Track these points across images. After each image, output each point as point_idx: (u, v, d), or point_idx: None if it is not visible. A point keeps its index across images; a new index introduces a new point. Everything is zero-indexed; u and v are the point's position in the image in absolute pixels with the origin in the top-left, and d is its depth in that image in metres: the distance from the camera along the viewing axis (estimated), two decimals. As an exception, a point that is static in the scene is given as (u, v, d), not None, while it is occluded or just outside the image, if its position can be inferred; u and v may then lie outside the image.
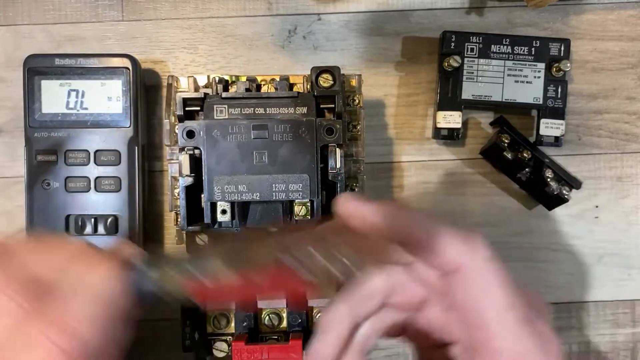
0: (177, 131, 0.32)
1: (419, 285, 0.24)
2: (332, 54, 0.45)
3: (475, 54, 0.42)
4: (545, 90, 0.43)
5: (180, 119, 0.33)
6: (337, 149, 0.32)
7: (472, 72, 0.43)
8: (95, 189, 0.40)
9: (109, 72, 0.41)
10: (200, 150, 0.31)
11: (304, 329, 0.34)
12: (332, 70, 0.33)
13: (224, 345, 0.35)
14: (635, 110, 0.45)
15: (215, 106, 0.31)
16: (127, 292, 0.25)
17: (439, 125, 0.43)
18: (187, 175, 0.31)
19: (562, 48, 0.43)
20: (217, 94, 0.33)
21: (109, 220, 0.40)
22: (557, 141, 0.43)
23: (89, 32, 0.45)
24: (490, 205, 0.45)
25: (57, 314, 0.24)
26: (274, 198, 0.31)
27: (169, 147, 0.35)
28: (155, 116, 0.44)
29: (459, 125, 0.43)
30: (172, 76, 0.36)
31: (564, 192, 0.42)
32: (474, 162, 0.45)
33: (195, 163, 0.32)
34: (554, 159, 0.44)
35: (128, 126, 0.40)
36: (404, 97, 0.45)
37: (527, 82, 0.43)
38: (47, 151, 0.41)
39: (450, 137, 0.44)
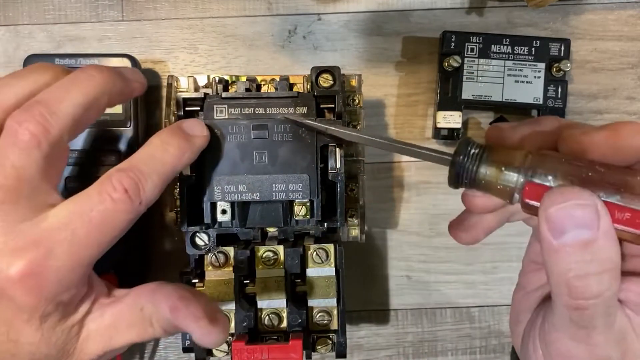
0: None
1: None
2: (332, 54, 0.45)
3: (476, 54, 0.43)
4: (546, 90, 0.43)
5: (180, 119, 0.33)
6: (337, 149, 0.32)
7: (472, 72, 0.43)
8: (95, 189, 0.40)
9: (109, 72, 0.41)
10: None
11: (304, 329, 0.34)
12: (332, 70, 0.33)
13: (224, 345, 0.35)
14: (635, 110, 0.45)
15: (215, 106, 0.31)
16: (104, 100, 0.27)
17: (439, 125, 0.43)
18: (187, 175, 0.31)
19: (562, 48, 0.43)
20: (217, 94, 0.33)
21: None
22: (557, 141, 0.43)
23: (89, 32, 0.45)
24: (490, 205, 0.45)
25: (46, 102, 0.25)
26: (274, 198, 0.31)
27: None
28: (155, 116, 0.44)
29: (459, 125, 0.43)
30: (172, 76, 0.36)
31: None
32: (474, 162, 0.45)
33: (195, 163, 0.32)
34: (554, 159, 0.44)
35: (128, 126, 0.40)
36: (404, 97, 0.45)
37: (527, 82, 0.43)
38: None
39: (450, 137, 0.44)
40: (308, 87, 0.35)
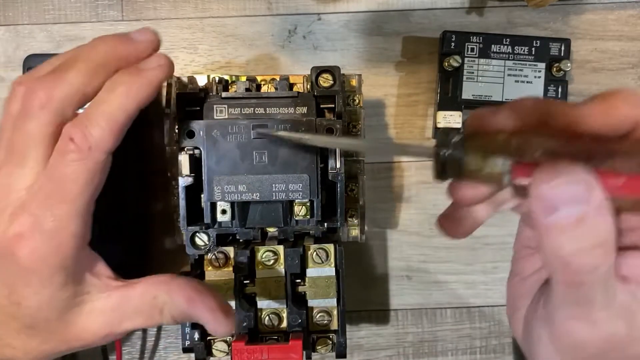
0: (176, 131, 0.32)
1: None
2: (332, 54, 0.45)
3: (476, 54, 0.42)
4: (546, 90, 0.43)
5: (180, 119, 0.33)
6: (337, 149, 0.32)
7: (472, 72, 0.43)
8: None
9: (109, 72, 0.41)
10: (200, 150, 0.31)
11: (304, 329, 0.34)
12: (332, 70, 0.33)
13: (224, 345, 0.35)
14: (636, 110, 0.45)
15: (215, 106, 0.31)
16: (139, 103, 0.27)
17: (439, 125, 0.43)
18: (186, 175, 0.31)
19: (563, 48, 0.43)
20: (217, 94, 0.33)
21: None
22: (557, 141, 0.43)
23: (89, 32, 0.45)
24: (491, 205, 0.45)
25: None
26: (274, 198, 0.31)
27: (168, 147, 0.35)
28: (155, 116, 0.44)
29: (459, 125, 0.43)
30: (172, 76, 0.36)
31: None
32: (474, 162, 0.45)
33: (195, 163, 0.32)
34: (554, 159, 0.44)
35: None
36: (404, 97, 0.45)
37: (527, 82, 0.43)
38: (47, 151, 0.40)
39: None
40: (308, 87, 0.35)
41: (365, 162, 0.37)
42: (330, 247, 0.35)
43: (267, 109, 0.32)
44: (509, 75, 0.43)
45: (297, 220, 0.33)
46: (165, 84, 0.36)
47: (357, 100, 0.36)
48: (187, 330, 0.34)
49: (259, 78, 0.36)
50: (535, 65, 0.43)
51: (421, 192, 0.45)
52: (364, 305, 0.45)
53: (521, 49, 0.43)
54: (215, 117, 0.31)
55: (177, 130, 0.32)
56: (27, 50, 0.44)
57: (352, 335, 0.45)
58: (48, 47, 0.44)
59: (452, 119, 0.42)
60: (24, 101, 0.27)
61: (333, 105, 0.33)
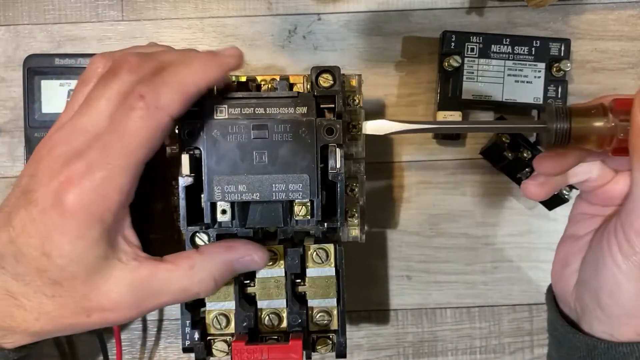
0: (176, 131, 0.32)
1: None
2: (332, 54, 0.45)
3: (476, 54, 0.42)
4: (546, 90, 0.43)
5: (180, 119, 0.33)
6: (337, 149, 0.31)
7: (472, 72, 0.43)
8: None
9: (109, 72, 0.41)
10: (200, 150, 0.31)
11: (304, 329, 0.34)
12: (332, 70, 0.33)
13: (224, 345, 0.35)
14: (636, 110, 0.45)
15: (215, 106, 0.31)
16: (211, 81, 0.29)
17: (439, 125, 0.43)
18: (186, 175, 0.31)
19: (562, 48, 0.43)
20: (217, 94, 0.33)
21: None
22: (557, 141, 0.43)
23: (89, 32, 0.45)
24: (490, 205, 0.45)
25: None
26: (274, 198, 0.31)
27: (168, 147, 0.35)
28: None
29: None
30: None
31: (564, 192, 0.42)
32: (474, 162, 0.45)
33: (195, 163, 0.32)
34: (554, 159, 0.44)
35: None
36: (404, 97, 0.45)
37: (527, 82, 0.43)
38: (47, 151, 0.40)
39: (450, 137, 0.44)
40: (308, 87, 0.35)
41: (365, 162, 0.37)
42: (330, 247, 0.35)
43: (267, 109, 0.32)
44: (509, 75, 0.43)
45: (297, 220, 0.33)
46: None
47: (357, 100, 0.36)
48: (187, 330, 0.34)
49: (259, 78, 0.36)
50: (535, 65, 0.43)
51: (421, 192, 0.45)
52: (364, 305, 0.45)
53: (521, 49, 0.43)
54: (215, 117, 0.31)
55: (177, 130, 0.32)
56: (27, 50, 0.44)
57: (352, 335, 0.45)
58: (48, 47, 0.44)
59: (452, 119, 0.42)
60: (114, 63, 0.28)
61: (333, 105, 0.33)
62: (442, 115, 0.42)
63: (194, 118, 0.31)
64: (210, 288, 0.30)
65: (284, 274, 0.35)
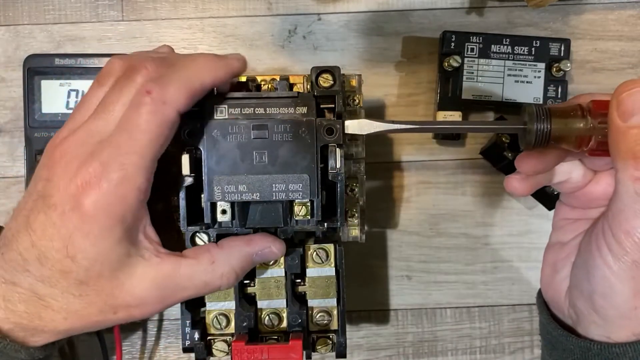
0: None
1: None
2: (332, 54, 0.45)
3: (476, 54, 0.42)
4: (546, 90, 0.43)
5: (182, 118, 0.33)
6: (337, 149, 0.31)
7: (472, 72, 0.43)
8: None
9: (109, 72, 0.41)
10: (200, 150, 0.31)
11: (304, 329, 0.34)
12: (332, 70, 0.33)
13: (224, 345, 0.35)
14: (636, 110, 0.45)
15: (215, 106, 0.31)
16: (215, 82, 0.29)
17: (439, 125, 0.43)
18: (187, 175, 0.31)
19: (562, 48, 0.43)
20: (217, 94, 0.33)
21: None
22: (557, 141, 0.43)
23: (89, 32, 0.45)
24: (490, 205, 0.45)
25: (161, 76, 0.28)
26: (274, 198, 0.31)
27: (169, 147, 0.35)
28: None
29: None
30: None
31: (564, 192, 0.42)
32: (474, 162, 0.45)
33: (195, 163, 0.32)
34: (554, 159, 0.44)
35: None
36: (404, 97, 0.45)
37: (527, 82, 0.43)
38: (47, 151, 0.41)
39: (450, 137, 0.44)
40: (308, 87, 0.35)
41: (365, 162, 0.37)
42: (330, 247, 0.35)
43: (267, 109, 0.32)
44: (508, 75, 0.43)
45: (297, 220, 0.33)
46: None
47: (357, 100, 0.36)
48: (187, 330, 0.34)
49: (259, 78, 0.36)
50: (535, 65, 0.43)
51: (421, 192, 0.45)
52: (364, 305, 0.45)
53: (521, 49, 0.43)
54: (215, 117, 0.31)
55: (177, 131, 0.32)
56: (27, 50, 0.44)
57: (352, 335, 0.45)
58: (48, 47, 0.44)
59: (452, 119, 0.42)
60: (130, 68, 0.29)
61: (333, 105, 0.33)
62: (442, 115, 0.42)
63: (194, 118, 0.31)
64: (232, 281, 0.31)
65: (284, 274, 0.35)
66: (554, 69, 0.42)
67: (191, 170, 0.31)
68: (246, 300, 0.35)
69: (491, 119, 0.44)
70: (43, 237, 0.27)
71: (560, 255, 0.33)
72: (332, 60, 0.45)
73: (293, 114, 0.32)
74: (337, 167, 0.32)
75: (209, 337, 0.35)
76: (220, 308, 0.35)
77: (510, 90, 0.43)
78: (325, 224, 0.33)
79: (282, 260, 0.34)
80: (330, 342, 0.35)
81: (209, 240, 0.33)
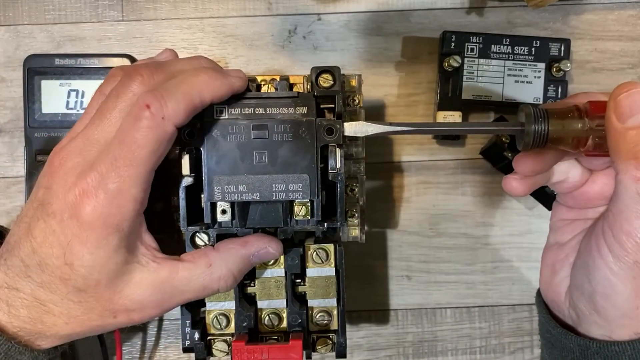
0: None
1: None
2: (332, 54, 0.45)
3: (475, 54, 0.42)
4: (546, 90, 0.43)
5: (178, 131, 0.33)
6: (337, 149, 0.31)
7: (472, 72, 0.43)
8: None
9: (109, 72, 0.41)
10: (200, 151, 0.31)
11: (304, 329, 0.34)
12: (332, 70, 0.33)
13: (224, 345, 0.35)
14: (635, 110, 0.45)
15: (215, 106, 0.31)
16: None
17: (439, 125, 0.43)
18: (187, 175, 0.31)
19: (562, 48, 0.43)
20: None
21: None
22: (557, 141, 0.43)
23: (89, 32, 0.45)
24: (490, 205, 0.45)
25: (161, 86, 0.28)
26: (274, 198, 0.31)
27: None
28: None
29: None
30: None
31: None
32: (474, 162, 0.45)
33: (195, 163, 0.32)
34: (554, 159, 0.44)
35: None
36: (404, 97, 0.45)
37: (527, 82, 0.43)
38: (47, 151, 0.40)
39: (450, 137, 0.44)
40: (308, 87, 0.35)
41: (365, 162, 0.37)
42: (330, 247, 0.35)
43: (267, 109, 0.32)
44: (508, 75, 0.43)
45: (297, 220, 0.33)
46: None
47: (357, 100, 0.36)
48: (187, 330, 0.34)
49: (259, 78, 0.36)
50: (535, 65, 0.43)
51: (421, 192, 0.45)
52: (364, 305, 0.45)
53: (521, 49, 0.43)
54: (215, 117, 0.31)
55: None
56: (27, 50, 0.44)
57: (352, 335, 0.45)
58: (48, 47, 0.44)
59: (452, 119, 0.42)
60: (125, 75, 0.29)
61: (333, 105, 0.33)
62: (442, 115, 0.42)
63: (194, 118, 0.31)
64: (230, 284, 0.31)
65: (284, 274, 0.35)
66: (554, 69, 0.42)
67: (191, 170, 0.31)
68: (246, 300, 0.35)
69: (491, 119, 0.44)
70: (43, 244, 0.28)
71: (559, 256, 0.33)
72: (332, 60, 0.45)
73: (293, 114, 0.32)
74: (337, 167, 0.32)
75: (209, 337, 0.35)
76: (220, 308, 0.35)
77: (510, 90, 0.43)
78: (325, 224, 0.33)
79: (282, 260, 0.34)
80: (330, 342, 0.35)
81: (209, 240, 0.33)
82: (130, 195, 0.27)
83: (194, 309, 0.35)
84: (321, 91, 0.32)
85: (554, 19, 0.45)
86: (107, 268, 0.28)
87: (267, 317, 0.35)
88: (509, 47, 0.43)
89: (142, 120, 0.27)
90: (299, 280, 0.35)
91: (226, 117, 0.31)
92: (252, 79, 0.35)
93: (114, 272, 0.28)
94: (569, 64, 0.42)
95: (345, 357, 0.35)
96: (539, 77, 0.43)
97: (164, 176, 0.33)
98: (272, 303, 0.35)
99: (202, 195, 0.32)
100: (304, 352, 0.33)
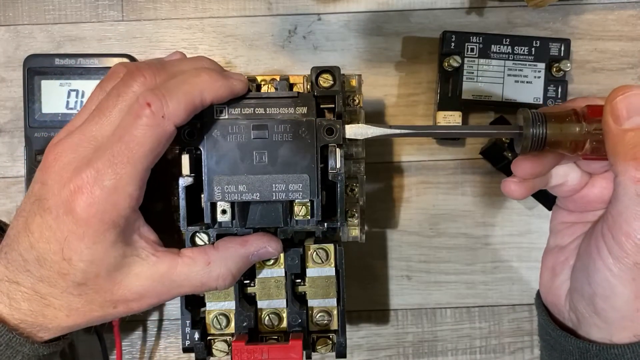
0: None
1: None
2: (332, 54, 0.45)
3: (475, 54, 0.42)
4: (546, 90, 0.43)
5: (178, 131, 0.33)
6: (337, 149, 0.31)
7: (472, 72, 0.43)
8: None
9: (109, 72, 0.41)
10: (200, 150, 0.31)
11: (304, 329, 0.34)
12: (332, 70, 0.33)
13: (224, 345, 0.35)
14: (635, 110, 0.45)
15: (215, 106, 0.31)
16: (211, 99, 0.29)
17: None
18: (187, 175, 0.31)
19: (562, 48, 0.43)
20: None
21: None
22: (557, 141, 0.43)
23: (89, 32, 0.45)
24: (490, 205, 0.45)
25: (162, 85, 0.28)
26: (274, 198, 0.31)
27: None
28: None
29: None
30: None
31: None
32: (474, 162, 0.45)
33: (195, 163, 0.32)
34: (554, 159, 0.44)
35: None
36: (404, 97, 0.45)
37: (527, 82, 0.43)
38: (47, 151, 0.40)
39: (450, 137, 0.44)
40: (308, 87, 0.35)
41: (365, 162, 0.37)
42: (330, 247, 0.35)
43: (267, 109, 0.32)
44: (508, 75, 0.43)
45: (297, 220, 0.33)
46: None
47: (357, 100, 0.36)
48: (187, 330, 0.34)
49: (259, 78, 0.36)
50: (535, 65, 0.43)
51: (421, 192, 0.45)
52: (364, 305, 0.45)
53: (521, 49, 0.43)
54: (215, 117, 0.31)
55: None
56: (27, 50, 0.44)
57: (352, 335, 0.45)
58: (48, 47, 0.44)
59: (452, 119, 0.42)
60: (127, 74, 0.29)
61: (333, 105, 0.33)
62: (442, 115, 0.42)
63: (194, 118, 0.31)
64: (228, 282, 0.31)
65: (284, 274, 0.35)
66: (554, 69, 0.42)
67: (191, 170, 0.31)
68: (246, 300, 0.35)
69: (491, 119, 0.44)
70: (40, 239, 0.28)
71: (559, 258, 0.33)
72: (332, 60, 0.45)
73: (293, 114, 0.32)
74: (337, 167, 0.32)
75: (209, 337, 0.35)
76: (220, 308, 0.35)
77: (510, 90, 0.43)
78: (325, 224, 0.33)
79: (282, 260, 0.34)
80: (330, 342, 0.35)
81: (209, 240, 0.33)
82: (126, 192, 0.27)
83: (194, 309, 0.35)
84: (321, 91, 0.32)
85: (554, 19, 0.45)
86: (105, 262, 0.28)
87: (267, 317, 0.35)
88: (509, 47, 0.43)
89: (142, 118, 0.27)
90: (299, 280, 0.35)
91: (226, 117, 0.31)
92: (252, 79, 0.35)
93: (113, 265, 0.28)
94: (569, 64, 0.42)
95: (345, 357, 0.35)
96: (539, 77, 0.43)
97: (164, 176, 0.33)
98: (272, 303, 0.35)
99: (202, 195, 0.32)
100: (304, 352, 0.33)
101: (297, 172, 0.31)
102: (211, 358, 0.35)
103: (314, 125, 0.31)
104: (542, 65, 0.43)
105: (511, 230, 0.45)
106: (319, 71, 0.33)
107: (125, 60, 0.41)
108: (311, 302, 0.35)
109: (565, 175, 0.32)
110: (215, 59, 0.44)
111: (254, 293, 0.35)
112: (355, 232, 0.36)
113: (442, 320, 0.45)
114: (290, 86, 0.35)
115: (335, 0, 0.45)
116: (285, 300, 0.35)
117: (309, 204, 0.32)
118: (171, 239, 0.35)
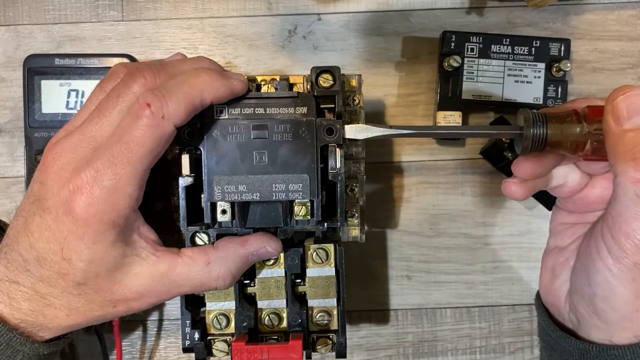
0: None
1: None
2: (332, 54, 0.45)
3: (475, 54, 0.42)
4: (546, 90, 0.43)
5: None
6: (337, 149, 0.31)
7: (472, 72, 0.43)
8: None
9: (109, 72, 0.41)
10: (200, 150, 0.31)
11: (304, 329, 0.34)
12: (332, 70, 0.33)
13: (224, 345, 0.35)
14: (636, 110, 0.45)
15: (215, 106, 0.31)
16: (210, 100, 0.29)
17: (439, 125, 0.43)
18: (187, 175, 0.31)
19: (562, 48, 0.43)
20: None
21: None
22: (557, 141, 0.43)
23: (89, 32, 0.45)
24: (490, 205, 0.45)
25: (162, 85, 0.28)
26: (274, 198, 0.31)
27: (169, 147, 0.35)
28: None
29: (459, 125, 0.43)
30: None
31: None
32: (474, 162, 0.45)
33: (195, 163, 0.32)
34: (554, 159, 0.44)
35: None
36: (404, 97, 0.45)
37: (527, 82, 0.43)
38: (47, 151, 0.40)
39: (450, 137, 0.44)
40: (308, 87, 0.35)
41: (365, 162, 0.37)
42: (330, 247, 0.35)
43: (267, 109, 0.32)
44: (508, 75, 0.43)
45: (297, 220, 0.33)
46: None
47: (357, 100, 0.36)
48: (187, 330, 0.34)
49: (259, 78, 0.36)
50: (535, 65, 0.43)
51: (421, 192, 0.45)
52: (364, 305, 0.45)
53: (521, 49, 0.43)
54: (215, 117, 0.31)
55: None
56: (27, 50, 0.44)
57: (352, 335, 0.45)
58: (48, 47, 0.44)
59: (452, 119, 0.42)
60: (128, 75, 0.29)
61: (333, 105, 0.33)
62: (442, 115, 0.42)
63: (194, 118, 0.31)
64: (228, 282, 0.31)
65: (284, 274, 0.35)
66: (554, 69, 0.42)
67: (191, 170, 0.31)
68: (246, 300, 0.35)
69: (491, 119, 0.44)
70: (40, 239, 0.28)
71: (559, 259, 0.33)
72: (332, 60, 0.45)
73: (293, 114, 0.32)
74: (337, 167, 0.32)
75: (209, 337, 0.35)
76: (220, 308, 0.35)
77: (510, 90, 0.43)
78: (325, 224, 0.33)
79: (282, 260, 0.34)
80: (330, 342, 0.35)
81: (209, 240, 0.33)
82: (125, 192, 0.27)
83: (194, 309, 0.35)
84: (321, 91, 0.32)
85: (554, 19, 0.45)
86: (105, 262, 0.28)
87: (267, 317, 0.35)
88: (509, 47, 0.43)
89: (142, 118, 0.27)
90: (299, 280, 0.35)
91: (226, 117, 0.31)
92: (252, 79, 0.35)
93: (113, 265, 0.28)
94: (569, 64, 0.42)
95: (345, 357, 0.35)
96: (539, 77, 0.43)
97: (164, 176, 0.33)
98: (272, 303, 0.35)
99: (202, 195, 0.32)
100: (304, 352, 0.33)
101: (297, 172, 0.31)
102: (211, 358, 0.35)
103: (314, 125, 0.31)
104: (542, 65, 0.43)
105: (511, 230, 0.45)
106: (319, 71, 0.32)
107: (125, 60, 0.41)
108: (311, 302, 0.35)
109: (565, 176, 0.32)
110: (215, 59, 0.44)
111: (254, 293, 0.35)
112: (355, 232, 0.36)
113: (442, 320, 0.46)
114: (290, 86, 0.35)
115: (335, 0, 0.45)
116: (285, 300, 0.35)
117: (309, 204, 0.32)
118: (171, 239, 0.35)
